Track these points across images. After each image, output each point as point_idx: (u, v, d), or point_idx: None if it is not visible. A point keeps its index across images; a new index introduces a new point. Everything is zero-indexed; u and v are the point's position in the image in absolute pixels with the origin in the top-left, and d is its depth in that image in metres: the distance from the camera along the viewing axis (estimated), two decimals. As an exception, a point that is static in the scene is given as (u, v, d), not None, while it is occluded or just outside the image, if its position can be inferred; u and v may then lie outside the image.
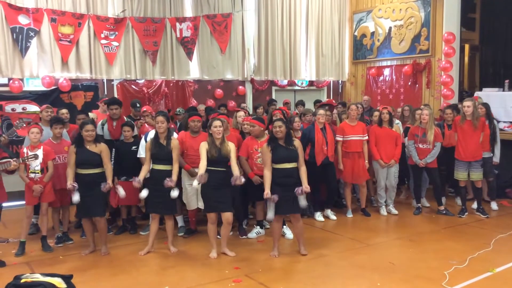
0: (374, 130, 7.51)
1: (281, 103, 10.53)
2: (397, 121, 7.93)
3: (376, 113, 7.65)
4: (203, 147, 5.62)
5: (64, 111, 7.06)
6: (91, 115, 7.43)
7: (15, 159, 5.42)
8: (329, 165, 7.12)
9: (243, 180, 5.49)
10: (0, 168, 5.24)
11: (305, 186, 5.44)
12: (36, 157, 5.62)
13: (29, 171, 5.84)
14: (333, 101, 9.50)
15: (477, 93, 9.61)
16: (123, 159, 6.47)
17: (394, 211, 7.64)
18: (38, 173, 5.89)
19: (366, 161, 7.41)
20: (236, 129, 7.08)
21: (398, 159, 7.51)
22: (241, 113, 7.26)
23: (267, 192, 5.40)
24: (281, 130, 5.53)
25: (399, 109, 8.71)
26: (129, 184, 6.49)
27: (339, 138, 7.34)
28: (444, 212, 7.53)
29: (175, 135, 6.43)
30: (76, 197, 5.66)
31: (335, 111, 8.23)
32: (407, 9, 11.07)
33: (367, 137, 7.44)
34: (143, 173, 5.81)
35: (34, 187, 5.83)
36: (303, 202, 5.47)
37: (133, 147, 6.60)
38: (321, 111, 7.14)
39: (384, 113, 7.43)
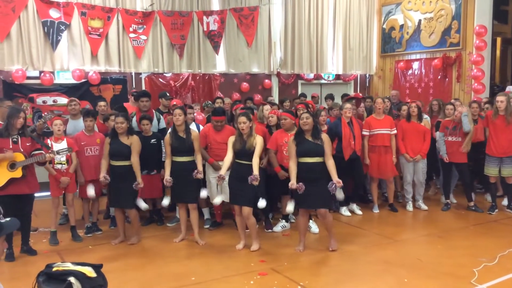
0: (401, 125, 7.41)
1: (308, 96, 10.45)
2: (425, 115, 7.80)
3: (404, 107, 7.55)
4: (230, 140, 5.68)
5: (102, 103, 7.23)
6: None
7: (50, 151, 5.52)
8: (356, 160, 7.05)
9: (258, 179, 5.42)
10: (34, 160, 5.36)
11: (336, 180, 5.34)
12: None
13: (55, 163, 5.95)
14: (360, 94, 9.38)
15: (508, 87, 9.38)
16: (142, 152, 6.33)
17: (424, 207, 7.53)
18: (64, 164, 6.02)
19: (394, 156, 7.31)
20: (261, 123, 7.07)
21: (425, 154, 7.39)
22: (267, 107, 7.23)
23: (292, 183, 5.38)
24: (307, 122, 5.46)
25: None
26: (150, 178, 6.56)
27: (365, 133, 7.26)
28: (474, 208, 7.40)
29: (193, 126, 6.52)
30: (91, 191, 6.11)
31: (362, 104, 8.12)
32: (437, 1, 10.86)
33: (395, 131, 7.33)
34: (168, 168, 5.88)
35: (62, 179, 5.96)
36: (339, 195, 5.43)
37: (152, 140, 6.63)
38: (348, 105, 7.07)
39: (413, 107, 7.32)
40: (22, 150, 5.34)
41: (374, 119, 7.37)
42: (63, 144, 5.96)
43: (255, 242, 5.74)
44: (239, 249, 5.71)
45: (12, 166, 5.26)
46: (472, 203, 7.46)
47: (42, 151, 5.44)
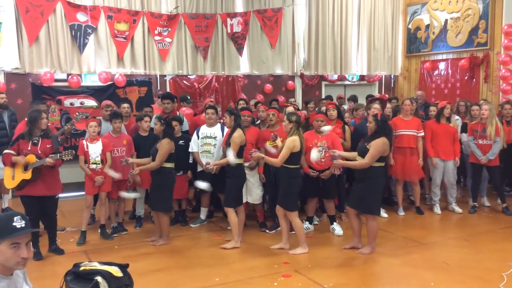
0: (430, 126, 7.28)
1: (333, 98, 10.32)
2: (456, 116, 7.65)
3: (433, 108, 7.41)
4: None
5: (126, 105, 7.33)
6: None
7: (51, 155, 5.34)
8: None
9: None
10: (41, 163, 5.28)
11: (341, 163, 5.56)
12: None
13: (90, 163, 6.09)
14: (386, 95, 9.28)
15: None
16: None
17: (458, 210, 7.36)
18: (99, 164, 6.13)
19: (421, 159, 7.19)
20: None
21: (458, 154, 7.28)
22: (290, 108, 7.19)
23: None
24: (368, 126, 5.63)
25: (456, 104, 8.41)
26: (176, 178, 6.60)
27: None
28: (504, 210, 7.25)
29: (217, 128, 6.61)
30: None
31: (388, 105, 8.04)
32: (464, 1, 10.67)
33: (422, 133, 7.21)
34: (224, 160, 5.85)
35: (96, 178, 6.08)
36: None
37: (180, 142, 6.66)
38: (376, 105, 7.02)
39: (448, 108, 7.19)
40: (40, 152, 5.38)
41: (400, 119, 7.27)
42: (98, 145, 6.10)
43: (299, 246, 5.68)
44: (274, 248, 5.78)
45: (25, 167, 5.34)
46: (505, 205, 7.31)
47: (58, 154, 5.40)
